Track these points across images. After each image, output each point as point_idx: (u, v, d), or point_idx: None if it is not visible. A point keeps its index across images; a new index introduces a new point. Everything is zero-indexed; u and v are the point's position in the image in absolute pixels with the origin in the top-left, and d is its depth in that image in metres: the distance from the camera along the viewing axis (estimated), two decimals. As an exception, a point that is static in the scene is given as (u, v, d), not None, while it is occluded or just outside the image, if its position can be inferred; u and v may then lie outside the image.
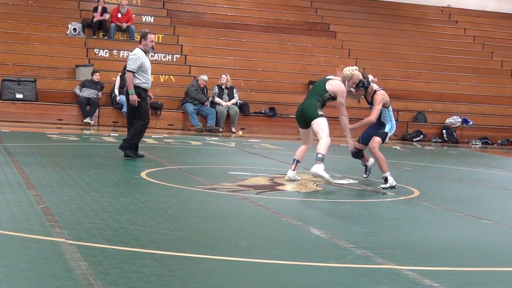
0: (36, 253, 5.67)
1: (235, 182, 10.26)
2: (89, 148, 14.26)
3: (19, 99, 19.67)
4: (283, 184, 10.25)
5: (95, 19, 23.17)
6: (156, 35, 23.82)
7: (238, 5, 27.32)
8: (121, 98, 19.89)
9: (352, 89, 10.81)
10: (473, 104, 24.71)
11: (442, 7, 30.37)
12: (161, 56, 23.05)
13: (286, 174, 10.90)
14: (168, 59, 23.18)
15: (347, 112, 10.66)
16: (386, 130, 10.86)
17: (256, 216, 8.12)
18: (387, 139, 11.00)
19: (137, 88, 12.15)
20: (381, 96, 10.83)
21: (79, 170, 10.53)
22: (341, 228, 7.52)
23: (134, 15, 23.85)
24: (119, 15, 23.28)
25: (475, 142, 22.87)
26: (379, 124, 10.89)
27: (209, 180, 10.29)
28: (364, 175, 11.55)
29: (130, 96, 12.11)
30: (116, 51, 22.65)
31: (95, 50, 22.54)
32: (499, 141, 23.16)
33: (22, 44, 22.06)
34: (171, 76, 22.32)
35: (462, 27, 29.69)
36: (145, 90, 12.31)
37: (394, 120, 11.08)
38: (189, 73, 22.77)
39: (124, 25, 23.27)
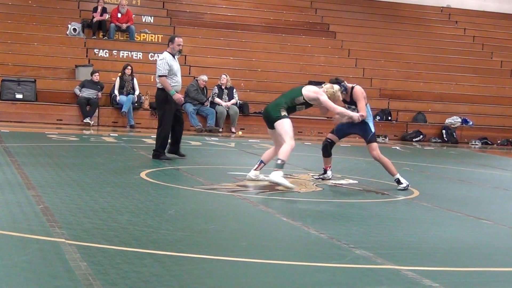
0: (36, 253, 5.67)
1: (235, 182, 10.26)
2: (88, 149, 14.26)
3: (19, 99, 19.66)
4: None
5: (95, 19, 23.16)
6: (156, 35, 23.98)
7: (238, 6, 27.32)
8: (121, 98, 19.91)
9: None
10: (472, 104, 24.72)
11: (442, 7, 30.37)
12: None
13: (287, 175, 10.90)
14: (168, 59, 23.12)
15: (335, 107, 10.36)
16: (373, 129, 10.72)
17: (256, 217, 8.13)
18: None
19: (165, 92, 12.38)
20: (360, 91, 10.68)
21: (78, 170, 10.53)
22: (340, 228, 7.52)
23: (134, 15, 23.85)
24: (119, 15, 23.28)
25: (475, 142, 22.87)
26: (359, 122, 10.64)
27: (209, 180, 10.29)
28: (315, 176, 11.23)
29: (173, 97, 12.31)
30: (116, 51, 22.65)
31: (95, 50, 22.54)
32: (498, 141, 23.17)
33: (22, 44, 22.06)
34: (171, 76, 22.27)
35: (462, 27, 29.69)
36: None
37: (371, 114, 10.92)
38: (189, 73, 22.75)
39: (124, 25, 23.27)
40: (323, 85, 10.55)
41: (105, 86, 20.34)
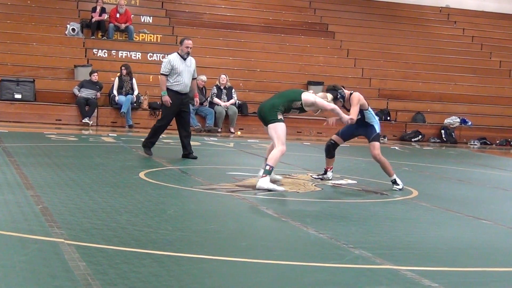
0: (35, 253, 5.67)
1: (234, 182, 10.26)
2: (87, 149, 14.26)
3: (17, 99, 19.66)
4: (282, 185, 10.23)
5: (93, 19, 23.16)
6: (155, 35, 23.98)
7: (237, 6, 27.32)
8: (119, 98, 19.90)
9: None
10: (471, 105, 24.73)
11: (441, 7, 30.38)
12: (159, 56, 23.01)
13: (286, 175, 10.90)
14: (167, 59, 23.13)
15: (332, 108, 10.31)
16: (377, 130, 10.73)
17: (255, 217, 8.13)
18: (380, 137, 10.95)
19: (168, 91, 12.80)
20: (357, 96, 10.61)
21: (77, 170, 10.52)
22: (340, 228, 7.52)
23: (132, 15, 23.85)
24: (118, 15, 23.28)
25: (474, 142, 22.88)
26: (364, 125, 10.71)
27: (208, 181, 10.29)
28: (314, 175, 11.21)
29: (162, 97, 12.79)
30: (114, 51, 22.65)
31: (94, 50, 22.54)
32: (497, 141, 23.17)
33: (21, 44, 22.05)
34: (170, 77, 22.26)
35: (460, 27, 29.70)
36: (177, 93, 12.80)
37: (377, 118, 10.94)
38: (188, 73, 22.74)
39: (123, 25, 23.27)
40: (317, 94, 10.51)
41: (104, 86, 20.33)
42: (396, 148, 19.31)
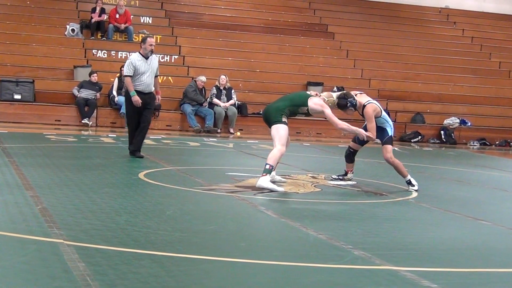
0: (34, 254, 5.66)
1: (233, 183, 10.25)
2: (87, 149, 14.26)
3: (17, 100, 19.66)
4: (281, 185, 10.23)
5: (93, 20, 23.16)
6: (155, 36, 23.94)
7: (237, 6, 27.32)
8: (119, 99, 19.89)
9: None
10: (471, 105, 24.74)
11: (441, 8, 30.39)
12: (159, 57, 22.91)
13: (286, 175, 10.91)
14: (166, 60, 23.18)
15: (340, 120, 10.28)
16: (390, 133, 10.73)
17: (254, 217, 8.12)
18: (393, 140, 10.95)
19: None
20: (371, 110, 10.51)
21: (77, 171, 10.52)
22: (339, 229, 7.52)
23: (132, 16, 23.85)
24: (117, 16, 23.29)
25: (473, 143, 22.88)
26: (378, 129, 10.66)
27: (207, 181, 10.29)
28: (334, 176, 11.22)
29: (132, 98, 12.49)
30: (114, 52, 22.66)
31: (93, 51, 22.54)
32: (497, 142, 23.17)
33: (20, 45, 22.06)
34: (169, 77, 22.32)
35: (460, 28, 29.71)
36: (140, 93, 12.52)
37: (391, 121, 10.96)
38: (187, 74, 22.78)
39: (122, 26, 23.27)
40: (321, 94, 10.51)
41: (103, 86, 20.33)
42: (396, 149, 19.30)
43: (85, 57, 22.28)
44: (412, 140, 22.18)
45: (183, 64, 23.30)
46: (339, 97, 10.58)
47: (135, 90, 12.51)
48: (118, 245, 6.08)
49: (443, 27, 29.53)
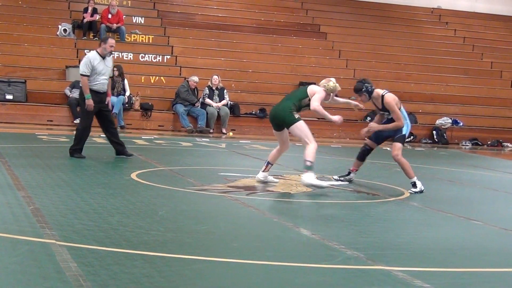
0: (26, 254, 5.65)
1: (226, 183, 10.25)
2: (79, 149, 14.21)
3: (9, 100, 19.61)
4: (273, 185, 10.24)
5: (85, 20, 23.12)
6: (147, 36, 23.95)
7: (229, 6, 27.31)
8: (111, 99, 19.84)
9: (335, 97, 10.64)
10: (463, 105, 24.77)
11: (433, 8, 30.44)
12: (151, 57, 23.03)
13: (278, 175, 10.91)
14: (159, 60, 23.16)
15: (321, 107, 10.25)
16: (404, 132, 10.61)
17: (247, 217, 8.12)
18: (405, 140, 10.87)
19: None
20: (392, 99, 10.49)
21: (69, 171, 10.51)
22: (331, 229, 7.53)
23: (124, 16, 23.80)
24: (110, 16, 23.24)
25: (465, 143, 22.93)
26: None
27: (199, 181, 10.29)
28: (335, 176, 11.22)
29: (86, 101, 12.10)
30: (106, 52, 22.58)
31: (85, 51, 22.31)
32: (489, 142, 23.22)
33: (13, 45, 22.00)
34: (162, 77, 22.29)
35: (452, 28, 29.76)
36: (96, 93, 12.21)
37: (408, 118, 10.81)
38: (180, 74, 22.76)
39: (115, 25, 23.22)
40: (320, 83, 10.53)
41: (95, 87, 20.28)
42: (388, 149, 19.29)
43: (77, 57, 22.21)
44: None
45: (176, 64, 23.28)
46: (357, 81, 10.68)
47: (92, 90, 12.13)
48: (111, 246, 6.07)
49: (435, 27, 29.58)
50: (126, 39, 23.46)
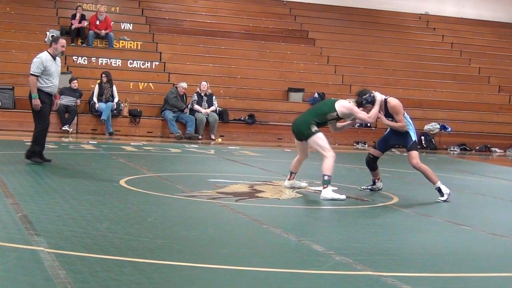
0: (14, 262, 5.63)
1: (215, 190, 10.24)
2: (67, 156, 14.19)
3: (-3, 107, 19.57)
4: (262, 191, 10.24)
5: (73, 27, 23.09)
6: (135, 42, 23.93)
7: (218, 13, 27.32)
8: (100, 106, 19.86)
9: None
10: (451, 111, 24.85)
11: (420, 14, 30.53)
12: (140, 63, 23.01)
13: (267, 181, 10.92)
14: (147, 66, 23.15)
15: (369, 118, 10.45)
16: (413, 138, 10.56)
17: (236, 224, 8.12)
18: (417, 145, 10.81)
19: (39, 92, 11.87)
20: (397, 102, 10.55)
21: (57, 178, 10.47)
22: (320, 235, 7.53)
23: (112, 23, 23.79)
24: (98, 23, 23.23)
25: (454, 148, 23.00)
26: (400, 133, 10.60)
27: (188, 188, 10.27)
28: (362, 187, 11.15)
29: (33, 100, 11.84)
30: (94, 58, 22.59)
31: (74, 57, 22.46)
32: (477, 147, 23.30)
33: (0, 51, 21.94)
34: (150, 84, 22.29)
35: (440, 34, 29.85)
36: (48, 95, 12.00)
37: (412, 124, 10.76)
38: (168, 80, 22.75)
39: (103, 32, 23.21)
40: (351, 101, 10.56)
41: (83, 93, 20.28)
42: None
43: (65, 63, 22.16)
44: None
45: (164, 70, 23.27)
46: (356, 94, 10.75)
47: (44, 92, 11.86)
48: (99, 252, 6.05)
49: (423, 33, 29.66)
50: (114, 46, 23.46)
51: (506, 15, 31.47)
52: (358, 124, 11.31)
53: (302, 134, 10.27)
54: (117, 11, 25.68)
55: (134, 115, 20.42)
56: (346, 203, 9.98)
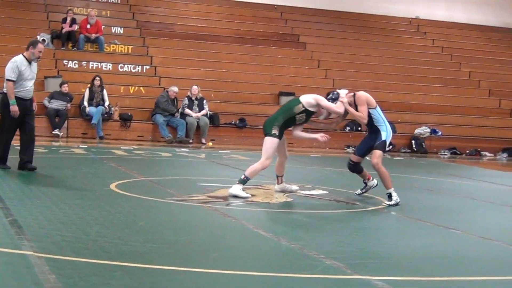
0: (4, 266, 5.61)
1: (206, 194, 10.23)
2: (58, 160, 14.16)
3: (-13, 111, 19.47)
4: (253, 195, 10.24)
5: (64, 30, 23.06)
6: (126, 46, 23.91)
7: (208, 16, 27.32)
8: (90, 110, 19.83)
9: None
10: (441, 115, 24.88)
11: (411, 18, 30.62)
12: (130, 67, 22.98)
13: (258, 186, 10.92)
14: (138, 70, 23.12)
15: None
16: (384, 138, 10.38)
17: (227, 228, 8.11)
18: (386, 147, 10.59)
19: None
20: (363, 95, 10.50)
21: (47, 182, 10.45)
22: (311, 239, 7.53)
23: (103, 26, 23.77)
24: (88, 26, 23.20)
25: (444, 152, 23.04)
26: (374, 131, 10.48)
27: (179, 192, 10.26)
28: (358, 191, 11.01)
29: (11, 107, 11.43)
30: (85, 62, 22.56)
31: (64, 61, 22.42)
32: (467, 151, 23.34)
33: (-10, 55, 21.89)
34: (141, 88, 22.26)
35: (430, 38, 29.94)
36: (21, 100, 11.56)
37: (387, 122, 10.62)
38: (159, 84, 22.73)
39: (93, 36, 23.19)
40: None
41: (74, 97, 20.23)
42: (367, 158, 19.34)
43: (56, 67, 22.15)
44: (383, 150, 22.22)
45: (155, 74, 23.25)
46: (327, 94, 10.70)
47: (17, 97, 11.43)
48: (89, 257, 6.04)
49: (414, 37, 29.74)
50: (105, 49, 23.44)
51: (496, 19, 31.57)
52: (336, 128, 11.24)
53: (264, 130, 10.21)
54: (108, 15, 25.66)
55: (125, 119, 20.40)
56: (337, 207, 9.98)
